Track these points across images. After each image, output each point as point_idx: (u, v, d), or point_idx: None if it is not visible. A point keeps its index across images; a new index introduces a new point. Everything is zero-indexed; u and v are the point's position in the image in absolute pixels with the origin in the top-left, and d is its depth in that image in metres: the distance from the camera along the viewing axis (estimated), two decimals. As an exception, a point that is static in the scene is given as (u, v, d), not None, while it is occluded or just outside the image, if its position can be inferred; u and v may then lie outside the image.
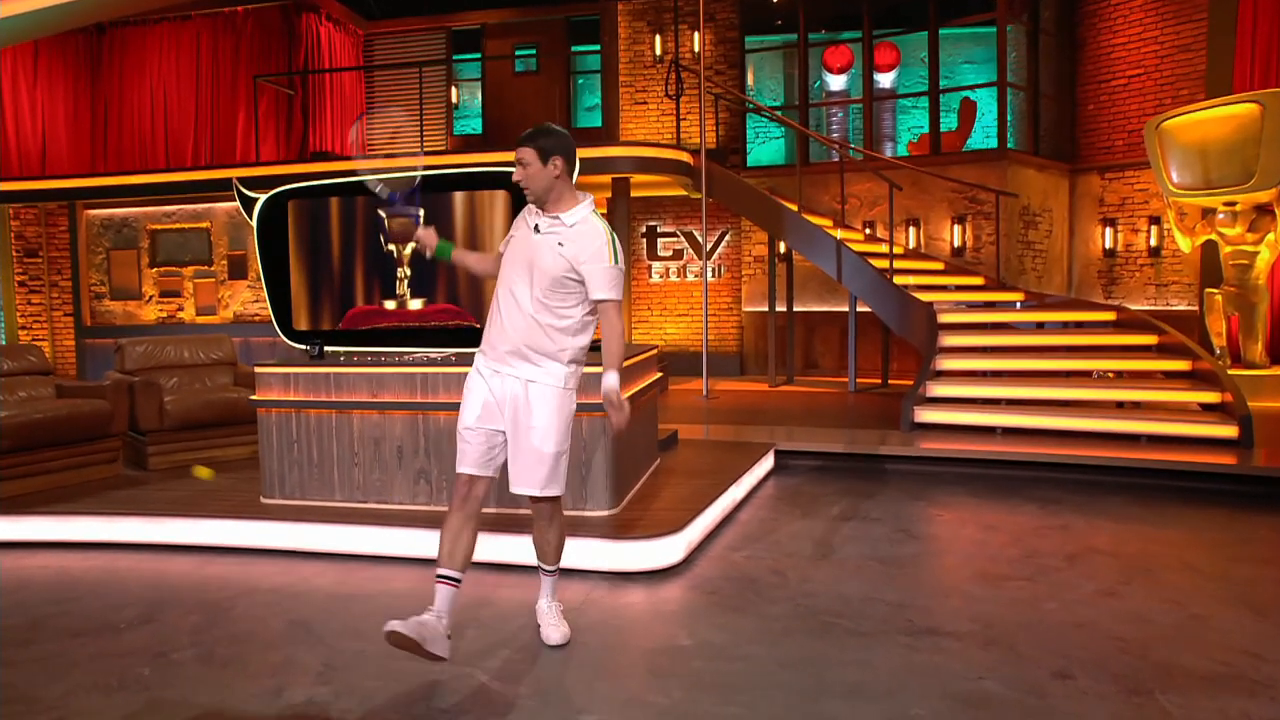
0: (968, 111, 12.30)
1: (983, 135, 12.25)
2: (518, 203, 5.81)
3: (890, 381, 10.85)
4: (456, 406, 5.01)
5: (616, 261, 3.35)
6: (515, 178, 3.36)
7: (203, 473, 4.90)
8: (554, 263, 3.32)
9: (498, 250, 3.60)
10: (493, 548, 4.59)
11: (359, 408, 5.19)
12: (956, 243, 10.91)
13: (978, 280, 10.12)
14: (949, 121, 12.14)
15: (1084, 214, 11.59)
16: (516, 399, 3.38)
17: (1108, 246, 11.33)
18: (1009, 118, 10.96)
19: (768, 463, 6.89)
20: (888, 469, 6.86)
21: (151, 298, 12.45)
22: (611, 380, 3.26)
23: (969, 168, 10.73)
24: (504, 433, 3.42)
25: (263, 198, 6.18)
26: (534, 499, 3.50)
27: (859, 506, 5.83)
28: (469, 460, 3.41)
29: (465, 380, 3.50)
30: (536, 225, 3.39)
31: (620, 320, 3.39)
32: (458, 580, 3.34)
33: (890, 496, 6.10)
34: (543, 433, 3.37)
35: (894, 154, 12.33)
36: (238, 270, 12.17)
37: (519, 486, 3.41)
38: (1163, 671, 3.31)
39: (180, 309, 12.37)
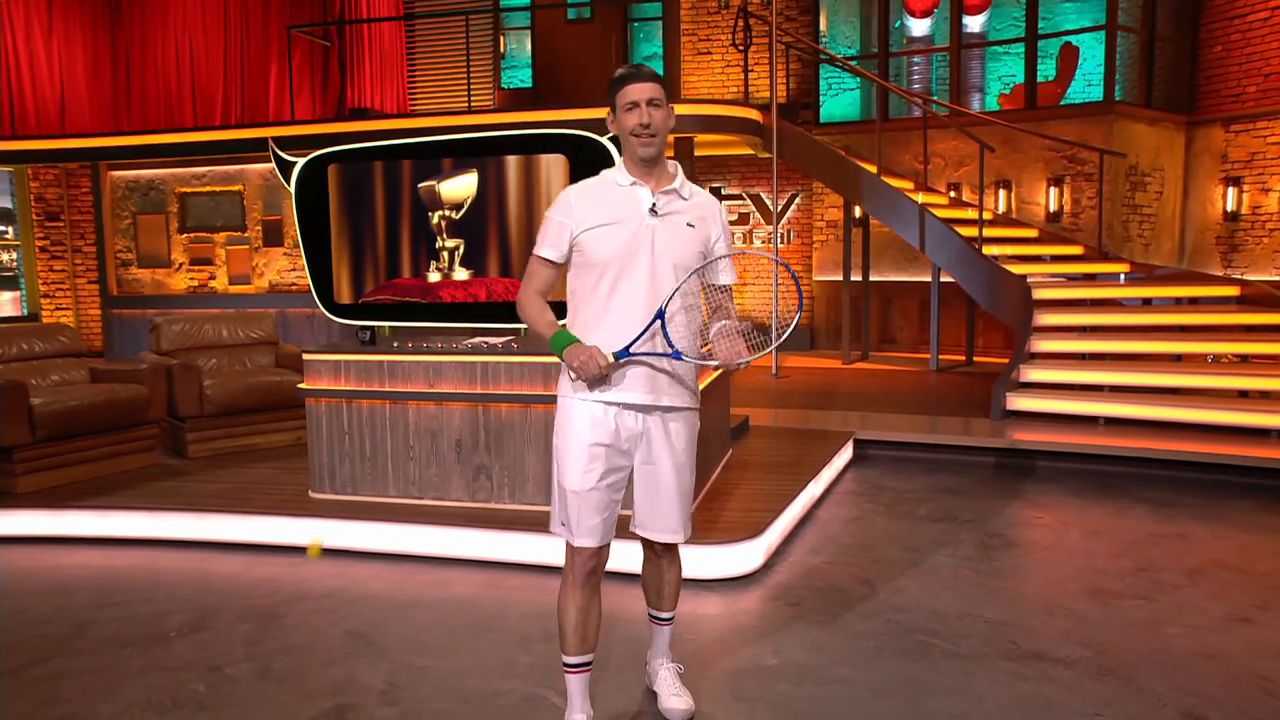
0: (1068, 59, 12.01)
1: (1085, 85, 11.97)
2: (577, 169, 5.79)
3: (976, 359, 10.74)
4: (519, 398, 5.15)
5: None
6: (636, 121, 2.80)
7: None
8: (689, 251, 2.88)
9: (546, 258, 2.94)
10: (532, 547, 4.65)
11: (415, 398, 5.26)
12: (1053, 207, 10.72)
13: (1076, 249, 9.96)
14: (1046, 70, 11.88)
15: (1202, 172, 11.26)
16: (650, 433, 2.93)
17: (1230, 209, 10.98)
18: (1117, 64, 10.68)
19: (846, 453, 6.89)
20: (977, 461, 6.81)
21: (181, 265, 12.67)
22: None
23: (1069, 123, 10.50)
24: (626, 478, 2.98)
25: (301, 161, 6.23)
26: (664, 544, 3.12)
27: (948, 505, 5.80)
28: (595, 531, 2.93)
29: (563, 427, 2.93)
30: (654, 205, 2.85)
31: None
32: (591, 661, 3.06)
33: (982, 494, 6.06)
34: (687, 466, 3.02)
35: (983, 108, 12.11)
36: (273, 237, 12.32)
37: (658, 534, 3.02)
38: (1303, 710, 3.26)
39: (212, 278, 12.58)
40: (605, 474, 2.90)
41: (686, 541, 3.13)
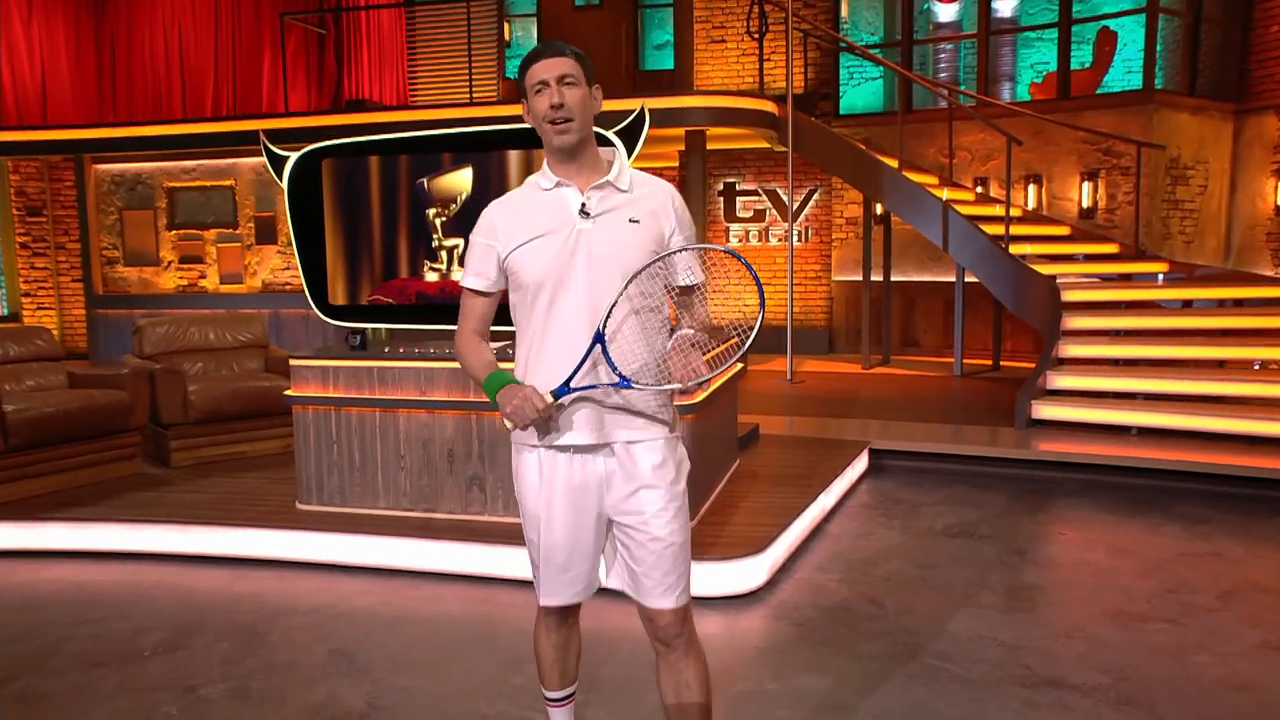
0: (1106, 44, 11.92)
1: (1124, 71, 11.86)
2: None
3: (1003, 364, 10.73)
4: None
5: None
6: (547, 104, 2.50)
7: None
8: (636, 253, 2.55)
9: (474, 289, 2.69)
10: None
11: (406, 406, 5.29)
12: (1086, 203, 10.69)
13: (1111, 248, 9.92)
14: (1082, 56, 11.81)
15: (1251, 164, 11.16)
16: (614, 476, 2.61)
17: (1282, 203, 10.89)
18: (1158, 49, 10.59)
19: (861, 464, 6.89)
20: (1000, 473, 6.80)
21: (170, 263, 12.76)
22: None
23: (1104, 113, 10.46)
24: (599, 532, 2.68)
25: (294, 156, 6.28)
26: (656, 610, 2.64)
27: (966, 520, 5.81)
28: (562, 591, 2.72)
29: (516, 477, 2.71)
30: (583, 206, 2.55)
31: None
32: (574, 693, 2.94)
33: (1003, 508, 6.06)
34: (669, 507, 2.62)
35: (1013, 98, 12.09)
36: (266, 234, 12.41)
37: (645, 596, 2.63)
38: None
39: (202, 276, 12.67)
40: (566, 528, 2.63)
41: (684, 610, 2.64)
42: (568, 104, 2.49)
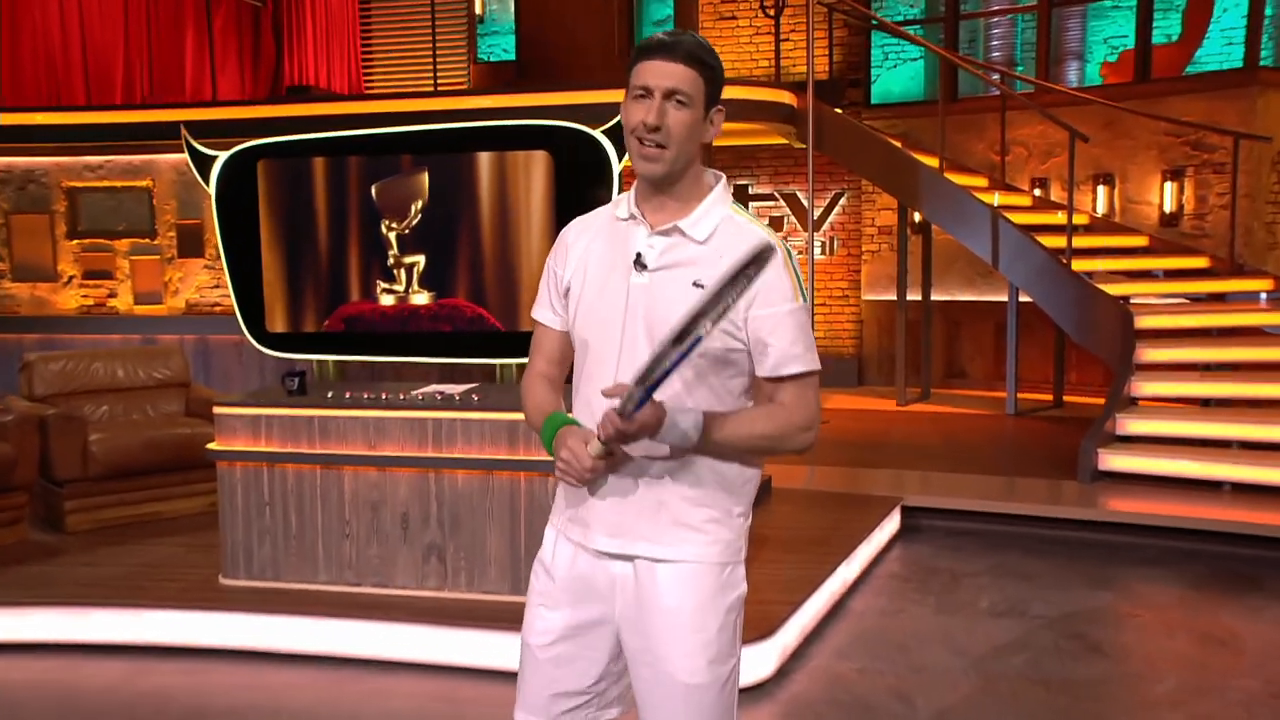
0: (1198, 13, 11.75)
1: (1221, 45, 11.72)
2: (563, 172, 5.86)
3: (1066, 399, 10.79)
4: (479, 463, 5.23)
5: (804, 297, 2.46)
6: (641, 117, 2.35)
7: None
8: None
9: (541, 322, 2.65)
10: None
11: (352, 462, 5.34)
12: (1169, 207, 10.64)
13: (1200, 262, 9.85)
14: (1169, 28, 11.74)
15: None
16: (625, 592, 2.51)
17: None
18: (1266, 17, 10.39)
19: (892, 524, 6.95)
20: (1059, 537, 6.84)
21: (71, 279, 12.73)
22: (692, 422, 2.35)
23: (1193, 98, 10.37)
24: (608, 651, 2.58)
25: (223, 156, 6.33)
26: None
27: (1018, 596, 5.85)
28: (541, 710, 2.62)
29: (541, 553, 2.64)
30: (639, 256, 2.42)
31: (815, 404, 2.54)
32: None
33: (1062, 581, 6.10)
34: (695, 653, 2.46)
35: (1080, 82, 12.15)
36: (191, 245, 12.34)
37: None
38: None
39: (111, 295, 12.65)
40: (560, 633, 2.55)
41: None
42: (668, 128, 2.34)
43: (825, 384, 10.75)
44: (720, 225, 2.41)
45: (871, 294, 12.40)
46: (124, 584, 5.64)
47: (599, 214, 2.59)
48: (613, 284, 2.44)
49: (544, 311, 2.62)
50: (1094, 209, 10.92)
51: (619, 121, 2.51)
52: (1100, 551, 6.64)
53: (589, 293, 2.47)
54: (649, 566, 2.44)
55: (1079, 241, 9.48)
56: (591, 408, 2.40)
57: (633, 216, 2.46)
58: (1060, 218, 9.92)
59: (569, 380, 2.63)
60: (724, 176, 2.51)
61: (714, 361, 2.39)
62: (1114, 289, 8.88)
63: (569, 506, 2.53)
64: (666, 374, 2.17)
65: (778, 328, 2.38)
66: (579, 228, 2.59)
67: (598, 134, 5.55)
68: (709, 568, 2.46)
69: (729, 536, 2.50)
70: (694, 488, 2.43)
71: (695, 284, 2.32)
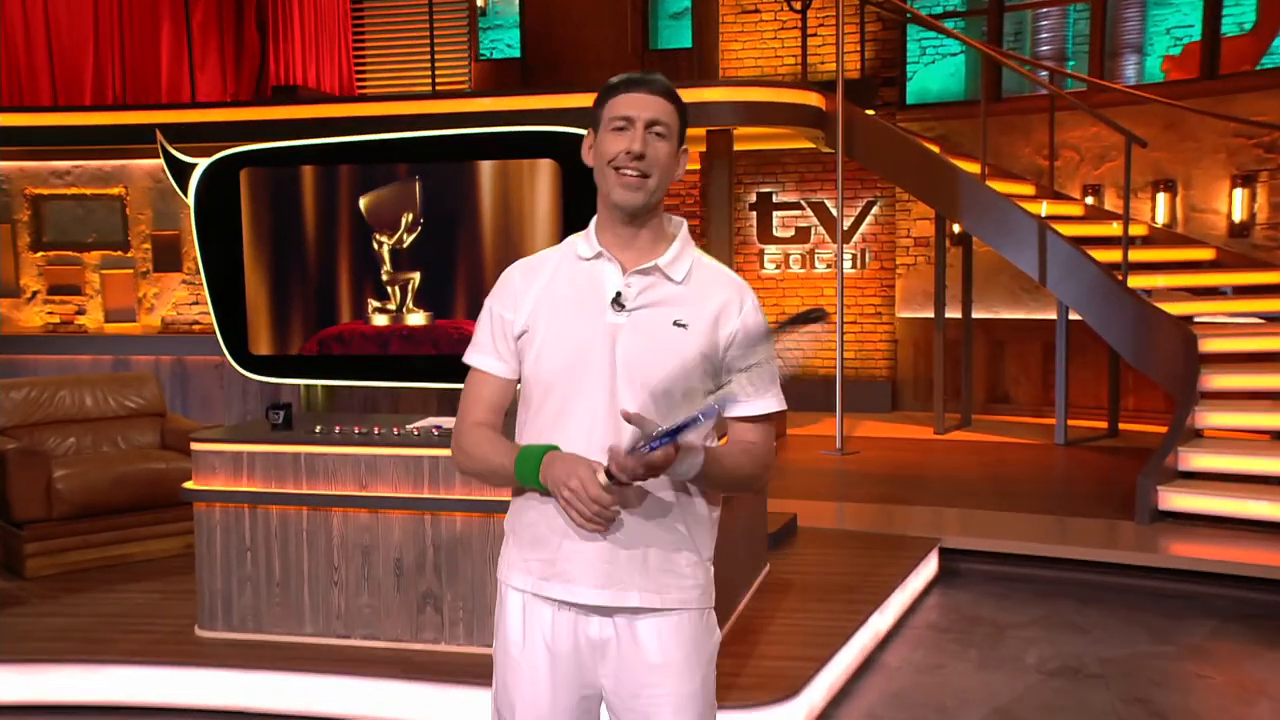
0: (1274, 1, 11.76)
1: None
2: (571, 180, 5.85)
3: (1122, 427, 10.74)
4: (479, 505, 5.22)
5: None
6: (624, 146, 2.47)
7: None
8: (668, 367, 2.45)
9: (481, 369, 2.66)
10: None
11: (341, 503, 5.32)
12: (1238, 216, 10.59)
13: (1273, 277, 9.72)
14: (1240, 17, 11.68)
15: None
16: (606, 647, 2.57)
17: None
18: None
19: (929, 569, 6.91)
20: (1116, 584, 6.79)
21: (36, 294, 12.77)
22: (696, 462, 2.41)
23: (1266, 96, 10.30)
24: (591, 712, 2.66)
25: (202, 164, 6.34)
26: None
27: (1069, 651, 5.81)
28: None
29: (496, 622, 2.69)
30: (618, 295, 2.52)
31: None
32: None
33: (1119, 635, 6.06)
34: (684, 706, 2.58)
35: (1139, 78, 12.12)
36: (168, 258, 12.38)
37: None
38: None
39: (80, 312, 12.68)
40: (540, 709, 2.59)
41: None
42: (652, 157, 2.48)
43: (856, 408, 10.96)
44: (694, 266, 2.59)
45: (907, 311, 12.39)
46: (89, 636, 5.60)
47: (546, 256, 2.68)
48: (582, 324, 2.52)
49: (485, 358, 2.65)
50: (1153, 219, 10.88)
51: None
52: (1162, 602, 6.57)
53: (552, 334, 2.54)
54: (628, 624, 2.53)
55: (1136, 255, 9.48)
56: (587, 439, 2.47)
57: (599, 255, 2.56)
58: (1115, 229, 9.88)
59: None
60: (685, 221, 2.68)
61: (683, 398, 2.41)
62: (1176, 308, 8.83)
63: (536, 559, 2.56)
64: (695, 421, 2.25)
65: (758, 370, 2.41)
66: (524, 269, 2.67)
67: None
68: (692, 614, 2.58)
69: (704, 580, 2.62)
70: (672, 530, 2.53)
71: (676, 323, 2.49)
